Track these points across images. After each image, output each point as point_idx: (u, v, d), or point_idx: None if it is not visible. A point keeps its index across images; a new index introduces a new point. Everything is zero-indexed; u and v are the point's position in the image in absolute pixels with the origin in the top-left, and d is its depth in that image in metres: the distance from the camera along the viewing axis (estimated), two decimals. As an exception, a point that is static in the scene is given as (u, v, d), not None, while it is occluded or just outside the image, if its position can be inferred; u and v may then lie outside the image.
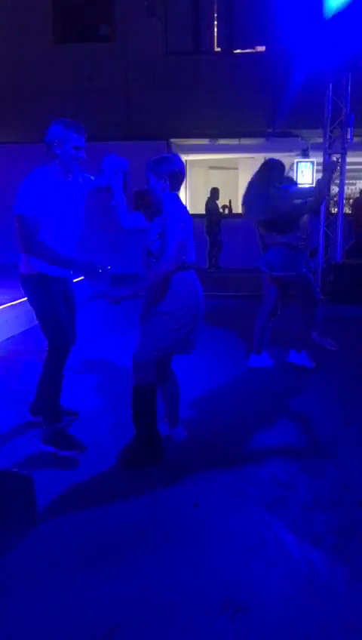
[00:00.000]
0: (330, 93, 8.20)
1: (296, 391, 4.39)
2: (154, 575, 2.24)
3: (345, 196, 8.99)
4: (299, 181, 10.30)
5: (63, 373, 3.34)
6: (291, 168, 11.10)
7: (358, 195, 11.82)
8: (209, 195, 11.85)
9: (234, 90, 11.38)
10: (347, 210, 10.39)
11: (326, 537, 2.48)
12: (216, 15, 11.93)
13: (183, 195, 12.53)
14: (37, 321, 3.30)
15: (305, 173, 11.48)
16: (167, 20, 11.63)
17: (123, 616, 2.03)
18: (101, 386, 4.43)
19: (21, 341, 5.88)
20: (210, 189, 12.05)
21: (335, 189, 8.63)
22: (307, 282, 4.77)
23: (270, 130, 11.47)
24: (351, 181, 14.09)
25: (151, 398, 3.10)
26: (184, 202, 3.12)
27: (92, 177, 3.32)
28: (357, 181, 14.73)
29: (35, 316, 3.30)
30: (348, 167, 8.94)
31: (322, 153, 8.53)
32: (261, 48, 11.72)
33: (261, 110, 11.17)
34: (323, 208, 8.21)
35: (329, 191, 7.08)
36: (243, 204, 4.81)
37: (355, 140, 8.95)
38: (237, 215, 12.48)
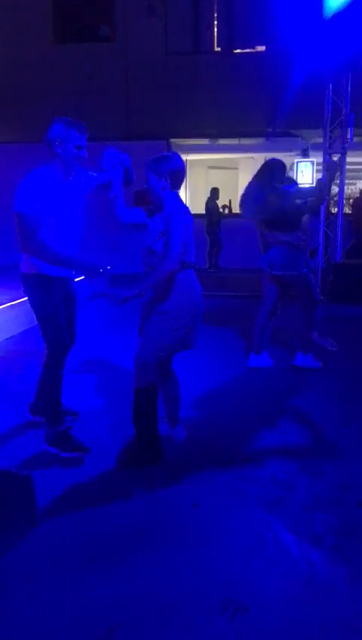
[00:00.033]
0: (330, 93, 8.20)
1: (296, 391, 4.39)
2: (154, 575, 2.24)
3: (345, 196, 8.99)
4: (299, 181, 10.30)
5: (63, 374, 3.33)
6: (291, 168, 11.10)
7: (358, 195, 11.82)
8: (209, 195, 11.85)
9: (234, 90, 11.38)
10: (347, 210, 10.39)
11: (326, 537, 2.48)
12: (216, 15, 11.93)
13: (183, 194, 12.53)
14: (36, 321, 3.29)
15: (305, 173, 11.49)
16: (167, 19, 11.63)
17: (123, 616, 2.03)
18: (101, 386, 4.43)
19: (21, 341, 5.88)
20: (209, 188, 12.06)
21: (335, 189, 8.62)
22: (307, 282, 4.77)
23: (270, 130, 11.47)
24: (351, 181, 14.09)
25: (153, 398, 3.11)
26: (184, 202, 3.12)
27: (94, 174, 3.29)
28: (357, 181, 14.73)
29: (34, 316, 3.29)
30: (348, 167, 8.94)
31: (322, 153, 8.53)
32: (261, 48, 11.72)
33: (261, 110, 11.17)
34: (323, 208, 8.21)
35: (329, 191, 7.08)
36: (241, 203, 4.81)
37: (355, 139, 8.95)
38: (237, 215, 12.46)
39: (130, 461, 3.11)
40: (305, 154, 11.85)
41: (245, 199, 4.78)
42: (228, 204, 12.10)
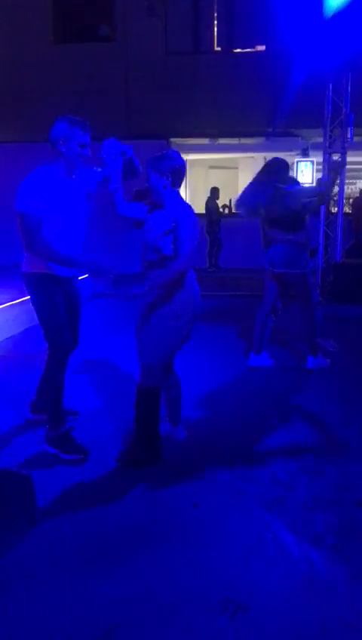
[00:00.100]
0: (330, 93, 8.20)
1: (296, 391, 4.39)
2: (154, 575, 2.24)
3: (345, 196, 8.99)
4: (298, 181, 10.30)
5: (65, 374, 3.31)
6: (291, 168, 11.09)
7: (358, 195, 11.81)
8: (209, 195, 11.86)
9: (234, 89, 11.38)
10: (347, 209, 10.39)
11: (326, 537, 2.48)
12: (216, 15, 11.92)
13: (183, 194, 12.50)
14: (37, 321, 3.28)
15: (305, 173, 11.48)
16: (167, 19, 11.62)
17: (123, 616, 2.03)
18: (101, 386, 4.43)
19: (21, 341, 5.88)
20: (210, 188, 12.06)
21: (335, 189, 8.62)
22: (306, 282, 4.77)
23: (270, 130, 11.47)
24: (351, 181, 14.09)
25: (156, 398, 3.12)
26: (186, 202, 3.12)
27: (98, 169, 3.25)
28: (357, 181, 14.73)
29: (35, 316, 3.28)
30: (348, 166, 8.93)
31: (322, 153, 8.53)
32: (261, 48, 11.71)
33: (261, 110, 11.17)
34: (323, 208, 8.20)
35: (331, 190, 7.10)
36: (239, 202, 4.81)
37: (355, 139, 8.95)
38: (238, 214, 12.51)
39: (130, 461, 3.11)
40: (305, 153, 11.85)
41: (244, 198, 4.78)
42: (228, 203, 12.09)
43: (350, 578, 2.23)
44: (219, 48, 12.10)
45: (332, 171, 5.32)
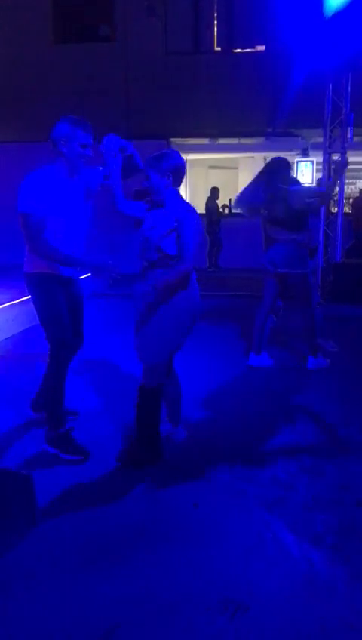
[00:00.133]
0: (330, 93, 8.20)
1: (296, 391, 4.39)
2: (154, 575, 2.24)
3: (345, 195, 8.99)
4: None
5: (66, 375, 3.28)
6: (291, 168, 11.10)
7: (358, 195, 11.81)
8: (209, 195, 11.86)
9: (234, 89, 11.38)
10: (347, 209, 10.39)
11: (326, 537, 2.48)
12: (216, 15, 11.92)
13: (183, 194, 12.51)
14: (37, 321, 3.27)
15: (305, 173, 11.48)
16: (167, 19, 11.62)
17: (123, 616, 2.03)
18: (101, 386, 4.43)
19: (21, 340, 5.88)
20: (210, 188, 12.06)
21: (335, 189, 8.62)
22: (307, 283, 4.77)
23: (270, 130, 11.47)
24: (351, 181, 14.09)
25: (158, 399, 3.12)
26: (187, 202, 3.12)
27: (100, 168, 3.22)
28: (357, 181, 14.74)
29: (36, 316, 3.27)
30: (348, 166, 8.92)
31: (322, 152, 8.53)
32: (261, 48, 11.72)
33: (261, 110, 11.17)
34: (323, 208, 8.20)
35: (333, 190, 7.09)
36: (239, 201, 4.82)
37: (355, 139, 8.95)
38: (238, 214, 12.49)
39: (130, 461, 3.11)
40: (305, 153, 11.86)
41: (243, 196, 4.78)
42: (228, 203, 12.08)
43: (350, 578, 2.23)
44: (219, 48, 12.10)
45: (335, 171, 5.32)
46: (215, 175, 14.46)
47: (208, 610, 2.04)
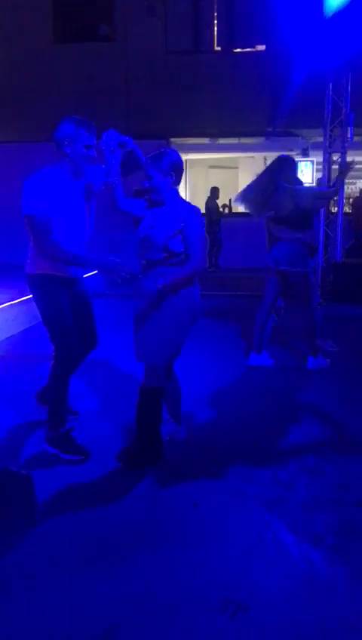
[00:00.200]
0: (330, 93, 8.20)
1: (296, 391, 4.39)
2: (154, 575, 2.24)
3: (345, 195, 8.99)
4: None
5: (70, 376, 3.27)
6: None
7: (358, 195, 11.81)
8: (209, 195, 11.86)
9: (235, 89, 11.38)
10: (347, 209, 10.39)
11: (326, 537, 2.48)
12: (216, 14, 11.92)
13: (183, 194, 12.51)
14: (37, 321, 3.26)
15: (305, 173, 11.48)
16: (167, 19, 11.62)
17: (123, 616, 2.03)
18: (101, 386, 4.43)
19: (21, 340, 5.88)
20: (210, 188, 12.06)
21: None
22: (308, 282, 4.77)
23: (270, 130, 11.47)
24: (351, 180, 14.09)
25: (159, 399, 3.12)
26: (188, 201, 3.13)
27: (102, 166, 3.19)
28: (358, 180, 14.73)
29: (39, 317, 3.25)
30: (353, 167, 8.93)
31: (322, 152, 8.54)
32: (261, 47, 11.72)
33: (261, 109, 11.17)
34: (323, 208, 8.20)
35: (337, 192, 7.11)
36: (243, 198, 4.81)
37: (355, 139, 8.95)
38: (238, 214, 12.49)
39: (130, 461, 3.11)
40: (305, 153, 11.86)
41: (245, 195, 4.78)
42: (228, 203, 12.08)
43: (350, 578, 2.23)
44: (219, 48, 12.10)
45: (342, 172, 5.31)
46: (215, 175, 14.46)
47: (208, 610, 2.04)
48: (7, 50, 11.86)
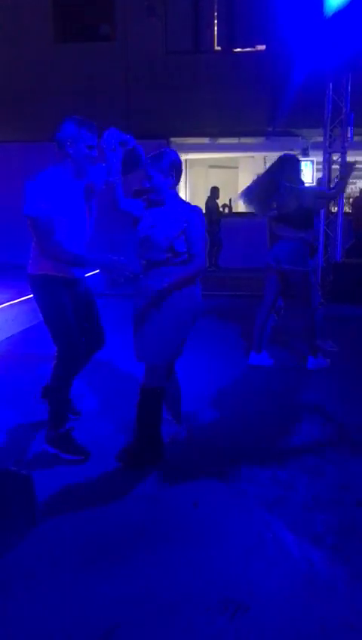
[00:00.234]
0: (330, 92, 8.20)
1: (296, 391, 4.39)
2: (154, 575, 2.24)
3: (345, 195, 8.99)
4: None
5: (73, 377, 3.27)
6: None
7: (358, 195, 11.81)
8: (209, 194, 11.86)
9: (235, 89, 11.37)
10: (347, 209, 10.39)
11: (326, 537, 2.48)
12: (216, 14, 11.92)
13: (183, 194, 12.53)
14: (35, 321, 3.25)
15: (305, 173, 11.47)
16: (167, 19, 11.62)
17: (123, 616, 2.03)
18: (101, 386, 4.43)
19: (21, 340, 5.87)
20: (210, 188, 12.06)
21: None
22: (308, 282, 4.77)
23: (270, 129, 11.47)
24: (351, 180, 14.05)
25: (160, 399, 3.12)
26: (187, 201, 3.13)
27: (103, 164, 3.18)
28: (358, 180, 14.73)
29: (38, 317, 3.24)
30: (354, 170, 8.94)
31: (322, 152, 8.54)
32: (261, 47, 11.71)
33: (261, 109, 11.17)
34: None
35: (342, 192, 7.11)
36: (248, 197, 4.82)
37: (355, 139, 8.96)
38: (238, 214, 12.50)
39: (130, 461, 3.11)
40: (305, 153, 11.85)
41: (249, 194, 4.78)
42: (228, 203, 12.07)
43: (350, 578, 2.23)
44: (219, 48, 12.10)
45: (343, 178, 5.32)
46: (215, 174, 14.46)
47: (208, 610, 2.04)
48: (7, 50, 11.86)
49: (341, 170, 5.50)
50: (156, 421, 3.14)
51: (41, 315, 3.24)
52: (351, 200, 12.02)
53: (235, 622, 1.99)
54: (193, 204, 3.18)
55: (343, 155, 8.34)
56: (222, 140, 12.62)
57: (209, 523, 2.60)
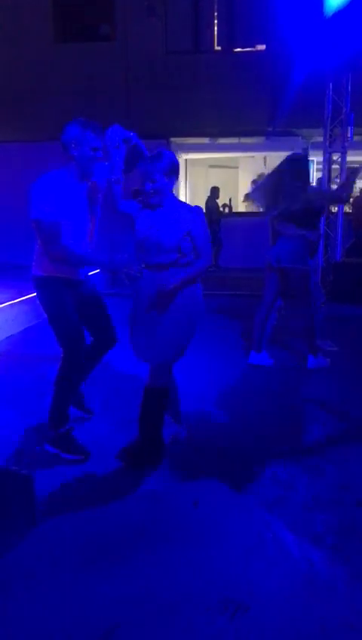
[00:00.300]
0: (330, 92, 8.20)
1: (295, 391, 4.39)
2: (154, 575, 2.24)
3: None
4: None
5: (78, 377, 3.26)
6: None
7: (358, 194, 11.81)
8: (209, 194, 11.86)
9: (235, 89, 11.37)
10: (347, 209, 10.38)
11: (326, 537, 2.48)
12: (216, 14, 11.91)
13: (183, 194, 12.53)
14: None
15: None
16: (167, 19, 11.61)
17: (123, 616, 2.03)
18: (101, 386, 4.42)
19: (21, 340, 5.88)
20: (210, 187, 12.06)
21: (334, 188, 8.62)
22: (308, 281, 4.77)
23: (270, 129, 11.46)
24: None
25: (164, 398, 3.12)
26: (184, 201, 3.13)
27: (106, 163, 3.18)
28: (358, 180, 14.72)
29: (38, 316, 3.24)
30: (348, 166, 8.93)
31: (322, 152, 8.54)
32: (261, 47, 11.70)
33: (261, 109, 11.16)
34: (323, 207, 8.20)
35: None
36: (258, 192, 4.83)
37: (355, 138, 8.95)
38: (238, 214, 12.50)
39: (130, 461, 3.11)
40: (305, 153, 11.84)
41: (258, 193, 4.79)
42: (228, 203, 12.06)
43: (350, 578, 2.23)
44: (219, 48, 12.09)
45: (353, 174, 5.30)
46: (215, 174, 14.45)
47: (208, 610, 2.04)
48: (7, 50, 11.85)
49: (349, 175, 5.48)
50: (159, 422, 3.14)
51: (45, 315, 3.23)
52: (351, 200, 12.00)
53: (235, 622, 1.99)
54: (193, 204, 3.18)
55: (343, 155, 8.34)
56: (222, 140, 12.61)
57: (209, 523, 2.60)
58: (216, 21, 11.96)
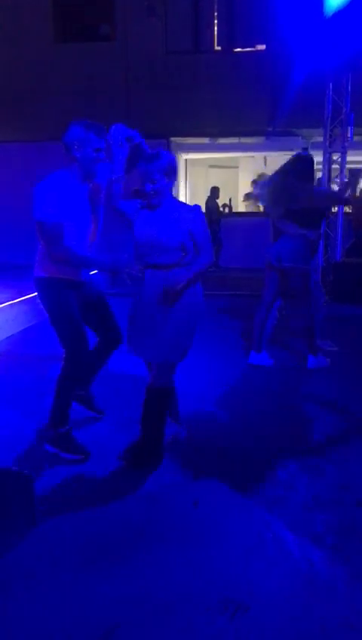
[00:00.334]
0: (330, 92, 8.20)
1: (295, 391, 4.39)
2: (154, 575, 2.24)
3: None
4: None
5: (80, 378, 3.26)
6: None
7: (359, 194, 11.81)
8: (209, 194, 11.86)
9: (235, 88, 11.37)
10: (347, 209, 10.38)
11: (326, 537, 2.48)
12: (216, 14, 11.91)
13: (183, 194, 12.53)
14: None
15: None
16: (167, 19, 11.61)
17: (123, 616, 2.03)
18: (101, 386, 4.42)
19: (21, 340, 5.87)
20: (210, 187, 12.06)
21: (335, 188, 8.62)
22: (308, 281, 4.77)
23: (270, 129, 11.46)
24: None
25: (167, 398, 3.12)
26: (184, 201, 3.14)
27: (108, 162, 3.17)
28: (359, 180, 14.72)
29: (38, 316, 3.24)
30: (348, 166, 8.94)
31: (322, 152, 8.54)
32: (261, 47, 11.70)
33: (261, 109, 11.16)
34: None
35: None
36: (265, 189, 4.84)
37: (355, 138, 8.95)
38: (238, 214, 12.50)
39: (130, 461, 3.11)
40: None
41: (265, 191, 4.80)
42: (228, 203, 12.06)
43: (350, 578, 2.23)
44: (219, 48, 12.09)
45: (354, 177, 5.36)
46: (215, 174, 14.45)
47: (208, 610, 2.04)
48: (7, 50, 11.85)
49: (350, 178, 5.50)
50: (161, 422, 3.14)
51: (47, 316, 3.23)
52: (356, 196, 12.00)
53: (235, 622, 1.99)
54: (193, 204, 3.18)
55: (343, 155, 8.35)
56: (222, 140, 12.61)
57: (209, 523, 2.60)
58: (216, 21, 11.96)
